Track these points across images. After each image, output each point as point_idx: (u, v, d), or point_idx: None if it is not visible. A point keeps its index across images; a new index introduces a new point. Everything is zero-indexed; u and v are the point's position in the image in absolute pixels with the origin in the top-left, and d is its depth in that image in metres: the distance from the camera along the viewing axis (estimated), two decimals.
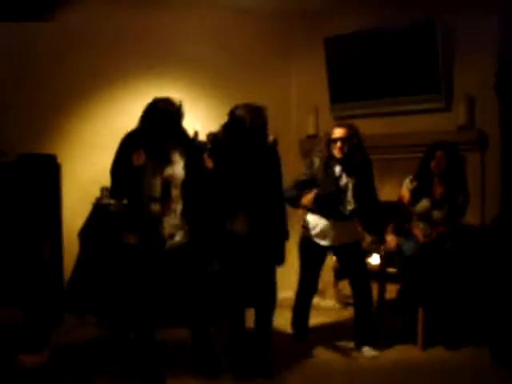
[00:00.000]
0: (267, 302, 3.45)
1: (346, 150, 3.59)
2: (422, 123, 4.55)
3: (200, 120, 4.62)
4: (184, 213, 3.25)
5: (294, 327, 3.89)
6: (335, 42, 4.86)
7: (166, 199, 3.18)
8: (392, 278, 4.03)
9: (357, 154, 3.62)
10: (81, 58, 4.58)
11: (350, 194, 3.62)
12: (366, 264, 3.94)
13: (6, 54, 4.41)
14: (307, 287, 3.79)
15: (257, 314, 3.47)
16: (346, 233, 3.68)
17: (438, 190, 3.85)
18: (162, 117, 3.14)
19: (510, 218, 3.98)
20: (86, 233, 4.33)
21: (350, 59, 4.82)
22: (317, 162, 3.67)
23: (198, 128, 3.59)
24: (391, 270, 4.01)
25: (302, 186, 3.69)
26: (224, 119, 3.41)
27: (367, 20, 4.71)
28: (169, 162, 3.24)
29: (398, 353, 3.75)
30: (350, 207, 3.62)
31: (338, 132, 3.62)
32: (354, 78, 4.85)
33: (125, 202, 3.33)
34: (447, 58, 4.45)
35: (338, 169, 3.64)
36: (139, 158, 3.10)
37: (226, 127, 3.34)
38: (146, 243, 3.16)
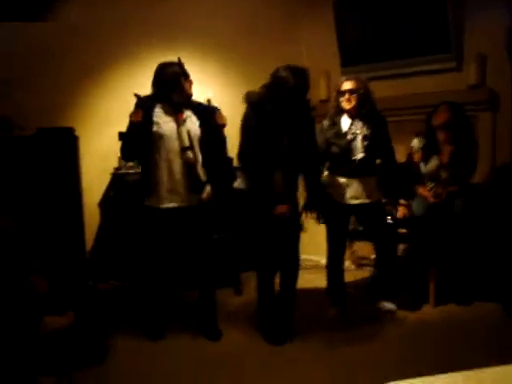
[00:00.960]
0: (293, 264, 3.50)
1: (354, 101, 3.59)
2: (433, 84, 4.55)
3: (217, 82, 4.72)
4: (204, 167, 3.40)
5: (330, 294, 3.84)
6: (344, 5, 4.85)
7: (192, 147, 3.34)
8: (403, 239, 4.10)
9: (365, 105, 3.61)
10: (95, 33, 4.65)
11: (359, 145, 3.58)
12: (388, 224, 3.91)
13: (24, 32, 4.49)
14: (335, 249, 3.77)
15: (282, 275, 3.52)
16: (365, 191, 3.63)
17: (447, 150, 3.89)
18: (168, 70, 3.33)
19: None
20: (105, 203, 4.47)
21: (360, 22, 4.81)
22: (325, 123, 3.69)
23: (211, 96, 3.65)
24: (402, 230, 4.05)
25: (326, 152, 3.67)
26: (235, 87, 3.47)
27: None
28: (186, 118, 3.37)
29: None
30: (358, 156, 3.58)
31: (346, 84, 3.64)
32: (363, 41, 4.84)
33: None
34: (458, 17, 4.42)
35: (346, 121, 3.64)
36: (137, 115, 3.29)
37: (268, 88, 3.34)
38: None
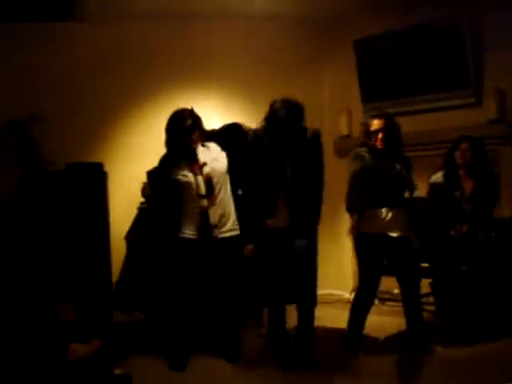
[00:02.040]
0: (308, 297, 3.52)
1: (386, 140, 3.60)
2: (453, 119, 4.62)
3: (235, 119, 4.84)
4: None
5: (348, 335, 3.79)
6: (364, 44, 5.00)
7: (210, 194, 3.47)
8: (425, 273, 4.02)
9: (398, 142, 3.64)
10: (124, 71, 4.88)
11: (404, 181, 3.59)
12: (416, 263, 3.77)
13: (55, 69, 4.74)
14: (367, 289, 3.72)
15: (299, 310, 3.54)
16: (401, 223, 3.61)
17: (468, 185, 3.90)
18: (176, 125, 3.47)
19: None
20: (131, 235, 4.56)
21: (380, 59, 4.95)
22: (366, 154, 3.64)
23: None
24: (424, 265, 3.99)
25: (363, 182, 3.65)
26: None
27: (394, 20, 4.83)
28: (204, 164, 3.50)
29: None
30: (407, 194, 3.61)
31: (376, 123, 3.65)
32: (384, 78, 4.97)
33: None
34: (477, 52, 4.51)
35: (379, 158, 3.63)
36: (144, 191, 3.56)
37: (266, 119, 3.47)
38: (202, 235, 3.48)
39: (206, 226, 3.47)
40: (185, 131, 3.45)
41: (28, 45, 4.72)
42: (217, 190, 3.50)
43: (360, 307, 3.78)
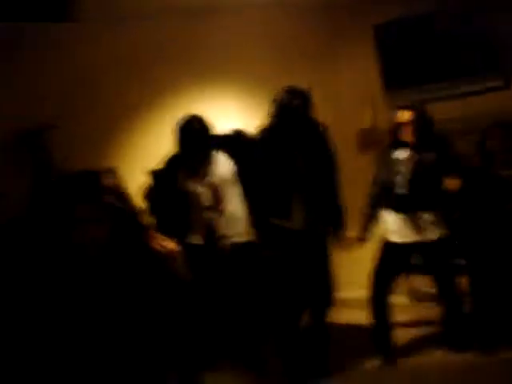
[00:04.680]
0: (324, 300, 3.37)
1: (415, 132, 3.39)
2: (481, 104, 4.36)
3: (253, 116, 4.66)
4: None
5: (376, 346, 3.56)
6: (385, 29, 4.76)
7: (216, 205, 3.32)
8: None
9: (428, 133, 3.42)
10: (141, 71, 4.73)
11: (402, 178, 3.38)
12: (451, 265, 3.54)
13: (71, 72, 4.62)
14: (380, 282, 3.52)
15: (313, 313, 3.39)
16: (419, 228, 3.39)
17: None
18: (183, 135, 3.30)
19: None
20: None
21: (402, 45, 4.74)
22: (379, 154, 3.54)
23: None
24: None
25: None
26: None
27: (416, 3, 4.54)
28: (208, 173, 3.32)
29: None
30: (401, 191, 3.38)
31: (403, 115, 3.43)
32: (407, 63, 4.74)
33: None
34: (504, 35, 4.26)
35: (403, 154, 3.42)
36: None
37: (271, 113, 3.33)
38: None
39: (212, 238, 3.33)
40: (191, 142, 3.30)
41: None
42: (224, 200, 3.34)
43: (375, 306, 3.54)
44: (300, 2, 4.90)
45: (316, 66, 5.04)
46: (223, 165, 3.40)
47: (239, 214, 3.37)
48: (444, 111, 4.51)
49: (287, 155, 3.23)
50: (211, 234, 3.32)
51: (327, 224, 3.34)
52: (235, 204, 3.37)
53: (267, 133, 3.32)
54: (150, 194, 3.61)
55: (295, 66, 4.94)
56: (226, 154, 3.44)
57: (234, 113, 4.81)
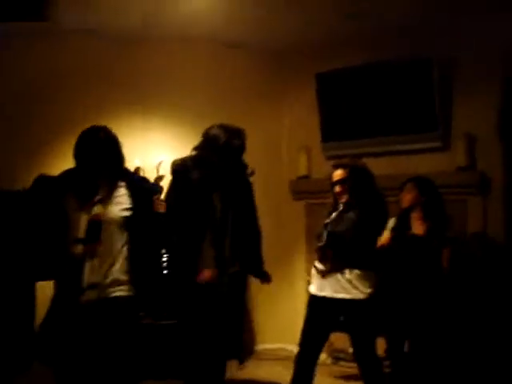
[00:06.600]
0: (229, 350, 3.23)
1: (348, 191, 3.21)
2: (419, 164, 4.25)
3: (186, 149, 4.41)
4: (130, 260, 2.66)
5: None
6: (327, 78, 4.64)
7: (92, 240, 2.59)
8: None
9: (362, 190, 3.21)
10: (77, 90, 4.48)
11: (325, 233, 3.17)
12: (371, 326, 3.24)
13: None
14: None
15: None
16: (334, 283, 3.16)
17: (421, 227, 3.47)
18: (84, 149, 2.66)
19: None
20: None
21: (343, 95, 4.59)
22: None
23: (139, 164, 3.40)
24: None
25: None
26: None
27: (360, 55, 4.48)
28: (98, 200, 2.64)
29: None
30: (320, 243, 3.18)
31: (336, 174, 3.26)
32: (346, 116, 4.60)
33: None
34: (445, 93, 4.22)
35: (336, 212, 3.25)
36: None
37: (199, 148, 3.12)
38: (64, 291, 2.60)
39: (75, 285, 2.55)
40: (91, 156, 2.63)
41: None
42: (104, 238, 2.60)
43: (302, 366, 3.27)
44: (249, 43, 4.79)
45: (257, 109, 4.92)
46: (121, 198, 2.69)
47: (122, 261, 2.65)
48: (378, 168, 4.45)
49: (203, 201, 3.02)
50: (76, 277, 2.55)
51: (243, 265, 3.17)
52: (120, 249, 2.66)
53: (184, 170, 3.07)
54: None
55: (236, 106, 4.78)
56: (131, 189, 2.74)
57: (164, 144, 4.58)
